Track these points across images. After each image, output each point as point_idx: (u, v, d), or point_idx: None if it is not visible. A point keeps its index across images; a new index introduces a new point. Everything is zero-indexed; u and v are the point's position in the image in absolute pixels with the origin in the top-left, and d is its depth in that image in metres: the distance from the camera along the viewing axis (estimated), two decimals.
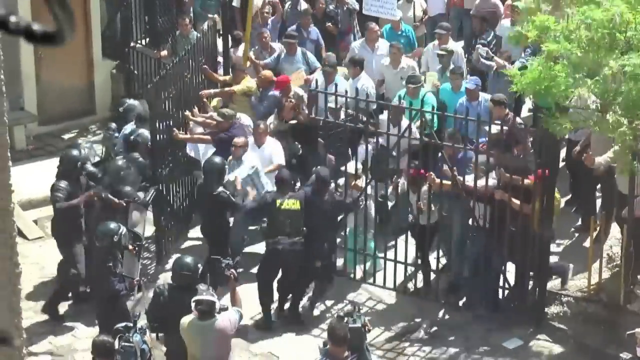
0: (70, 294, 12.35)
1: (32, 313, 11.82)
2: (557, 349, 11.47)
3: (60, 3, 1.47)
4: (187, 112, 13.80)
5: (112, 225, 10.97)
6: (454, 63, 14.92)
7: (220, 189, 12.14)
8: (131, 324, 9.81)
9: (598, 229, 11.84)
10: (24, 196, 13.81)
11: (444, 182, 11.88)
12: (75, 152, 12.42)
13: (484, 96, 13.75)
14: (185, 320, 9.60)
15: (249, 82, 14.62)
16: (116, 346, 9.53)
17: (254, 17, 16.11)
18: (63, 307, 12.25)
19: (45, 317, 12.05)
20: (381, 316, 12.19)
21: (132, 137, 13.39)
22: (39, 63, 15.97)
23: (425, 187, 12.11)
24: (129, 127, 13.72)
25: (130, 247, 11.23)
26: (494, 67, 14.64)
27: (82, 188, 12.18)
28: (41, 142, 16.02)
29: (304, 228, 11.78)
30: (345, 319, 9.49)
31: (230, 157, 13.05)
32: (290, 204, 11.80)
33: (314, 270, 11.98)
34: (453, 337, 11.75)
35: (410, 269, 12.65)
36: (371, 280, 12.75)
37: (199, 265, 10.47)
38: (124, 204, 11.98)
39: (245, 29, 15.54)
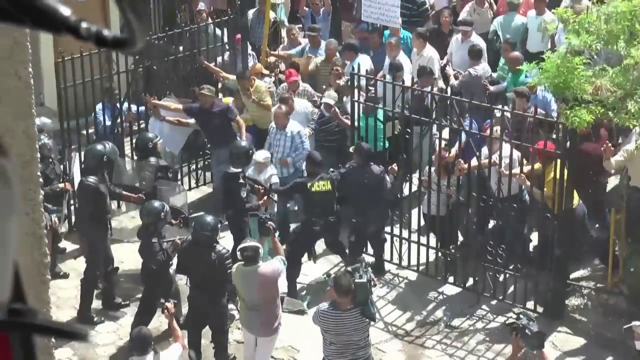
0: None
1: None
2: (577, 340, 11.47)
3: (134, 9, 1.55)
4: (147, 97, 13.93)
5: (157, 204, 11.32)
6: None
7: (240, 171, 12.19)
8: None
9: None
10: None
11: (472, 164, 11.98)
12: (100, 147, 12.23)
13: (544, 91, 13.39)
14: (234, 266, 10.42)
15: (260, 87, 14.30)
16: None
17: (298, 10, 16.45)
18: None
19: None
20: (403, 300, 12.32)
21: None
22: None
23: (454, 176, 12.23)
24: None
25: (175, 221, 11.63)
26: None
27: (107, 183, 12.17)
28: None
29: (338, 206, 12.26)
30: (353, 274, 9.69)
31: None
32: (321, 185, 12.10)
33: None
34: (472, 328, 11.77)
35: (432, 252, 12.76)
36: (398, 262, 12.92)
37: (219, 225, 10.88)
38: (144, 197, 12.14)
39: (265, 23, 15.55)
